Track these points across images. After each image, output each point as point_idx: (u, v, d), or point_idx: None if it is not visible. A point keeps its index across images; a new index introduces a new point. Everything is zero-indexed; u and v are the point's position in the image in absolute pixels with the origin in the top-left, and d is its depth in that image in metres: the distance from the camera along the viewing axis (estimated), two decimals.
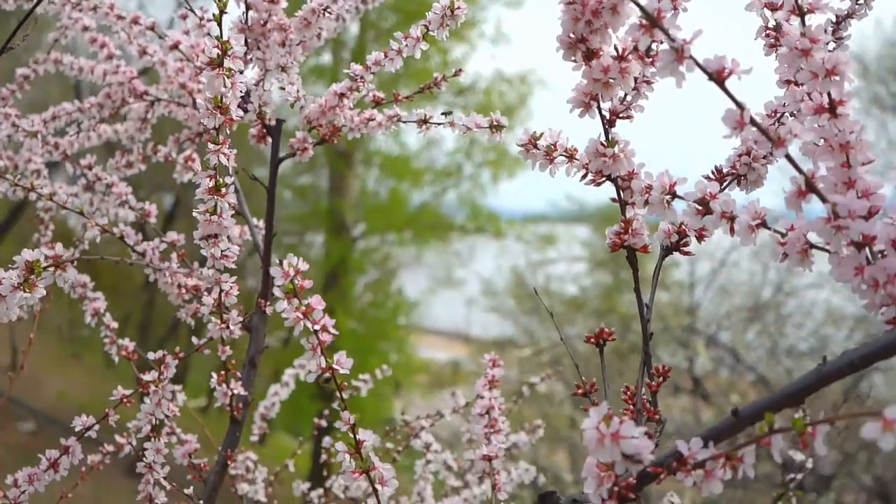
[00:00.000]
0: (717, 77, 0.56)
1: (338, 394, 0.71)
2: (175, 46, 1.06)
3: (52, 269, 0.72)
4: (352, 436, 0.72)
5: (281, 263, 0.68)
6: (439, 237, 12.01)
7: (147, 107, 1.29)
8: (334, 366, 0.70)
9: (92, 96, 1.32)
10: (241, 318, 0.99)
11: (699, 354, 5.75)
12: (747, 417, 0.57)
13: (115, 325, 1.17)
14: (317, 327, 0.69)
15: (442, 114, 1.00)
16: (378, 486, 0.71)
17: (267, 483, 1.41)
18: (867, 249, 0.57)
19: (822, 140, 0.61)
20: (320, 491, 1.50)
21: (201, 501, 1.07)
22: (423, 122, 1.04)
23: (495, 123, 0.91)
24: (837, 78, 0.59)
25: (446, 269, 12.53)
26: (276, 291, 0.68)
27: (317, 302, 0.69)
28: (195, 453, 1.09)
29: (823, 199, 0.57)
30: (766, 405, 0.55)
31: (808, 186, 0.57)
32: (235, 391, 1.05)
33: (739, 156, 0.76)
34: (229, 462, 1.07)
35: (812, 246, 0.61)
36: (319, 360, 0.70)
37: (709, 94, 0.59)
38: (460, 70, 1.11)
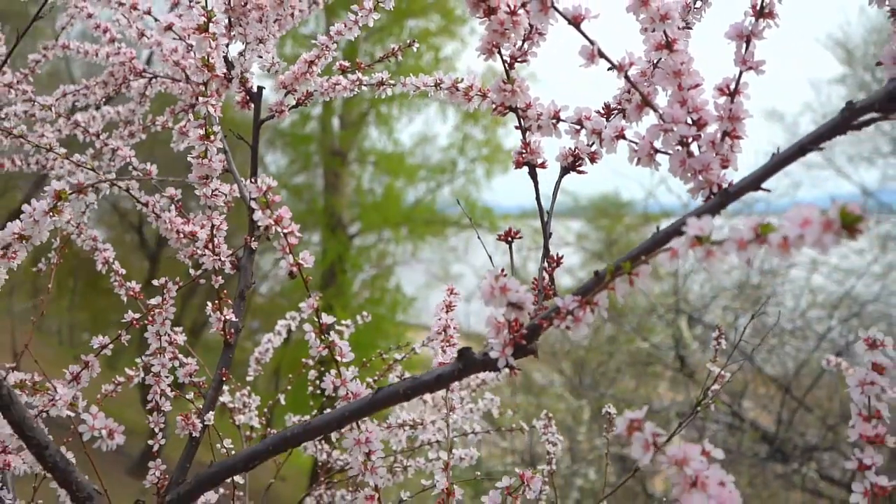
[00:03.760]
0: (575, 21, 0.75)
1: (304, 287, 0.90)
2: (169, 28, 1.25)
3: (75, 194, 0.91)
4: (316, 319, 0.91)
5: (256, 182, 0.87)
6: (434, 233, 12.20)
7: (146, 83, 1.48)
8: (300, 261, 0.89)
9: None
10: (230, 252, 1.18)
11: (683, 333, 5.95)
12: (604, 275, 0.75)
13: (123, 271, 1.36)
14: (286, 230, 0.88)
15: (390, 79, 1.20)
16: (338, 358, 0.90)
17: (260, 413, 1.61)
18: (691, 148, 0.76)
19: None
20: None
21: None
22: (381, 84, 1.23)
23: (438, 82, 1.10)
24: (670, 21, 0.78)
25: (442, 264, 12.72)
26: (252, 203, 0.87)
27: (285, 212, 0.88)
28: (195, 374, 1.28)
29: (655, 110, 0.76)
30: (613, 263, 0.74)
31: (644, 102, 0.76)
32: (228, 318, 1.24)
33: (623, 93, 0.95)
34: (224, 379, 1.26)
35: (657, 151, 0.80)
36: (288, 258, 0.89)
37: None
38: (413, 41, 1.30)
